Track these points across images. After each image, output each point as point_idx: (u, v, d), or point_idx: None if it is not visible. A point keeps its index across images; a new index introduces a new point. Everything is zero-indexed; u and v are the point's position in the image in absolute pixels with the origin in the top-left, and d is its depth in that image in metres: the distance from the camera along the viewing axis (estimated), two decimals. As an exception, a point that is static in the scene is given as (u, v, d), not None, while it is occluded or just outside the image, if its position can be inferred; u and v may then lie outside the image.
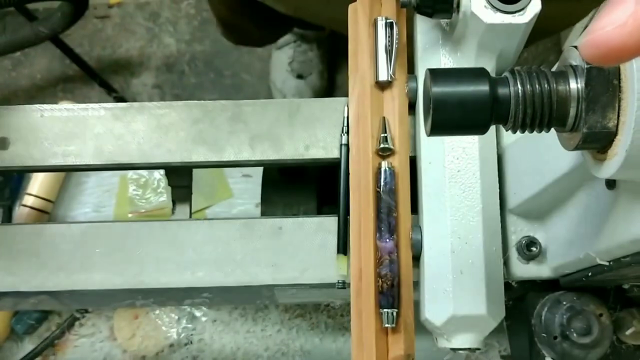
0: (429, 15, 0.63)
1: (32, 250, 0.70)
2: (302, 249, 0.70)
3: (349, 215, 0.68)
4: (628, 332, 0.65)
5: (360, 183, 0.67)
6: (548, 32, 1.26)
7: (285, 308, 1.07)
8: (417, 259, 0.67)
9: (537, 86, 0.42)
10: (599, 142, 0.41)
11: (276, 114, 0.74)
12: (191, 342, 1.05)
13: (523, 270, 0.67)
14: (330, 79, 1.85)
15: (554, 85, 0.42)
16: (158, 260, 0.70)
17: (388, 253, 0.65)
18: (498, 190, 0.66)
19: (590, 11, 0.52)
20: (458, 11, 0.62)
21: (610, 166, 0.41)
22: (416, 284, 0.67)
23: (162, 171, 1.11)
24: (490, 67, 0.65)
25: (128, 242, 0.71)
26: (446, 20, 0.66)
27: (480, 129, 0.43)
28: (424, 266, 0.65)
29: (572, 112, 0.41)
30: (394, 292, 0.64)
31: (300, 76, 1.75)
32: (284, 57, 1.77)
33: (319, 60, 1.79)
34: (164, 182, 1.12)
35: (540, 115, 0.42)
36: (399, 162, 0.68)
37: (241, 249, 0.70)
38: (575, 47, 0.41)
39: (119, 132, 0.73)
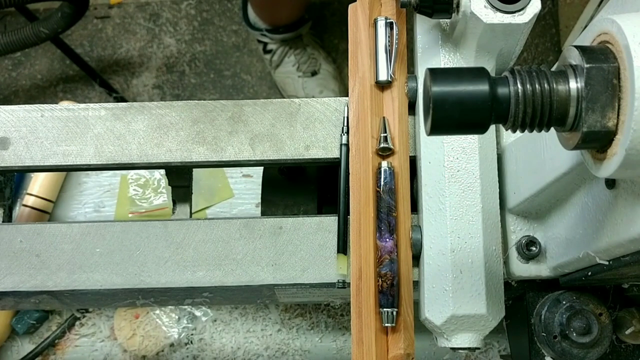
0: (429, 15, 0.63)
1: (33, 250, 0.70)
2: (302, 249, 0.70)
3: (349, 215, 0.68)
4: (627, 331, 0.65)
5: (360, 183, 0.67)
6: None
7: (285, 308, 1.07)
8: (417, 258, 0.68)
9: (536, 86, 0.42)
10: (598, 142, 0.41)
11: (276, 114, 0.74)
12: (191, 342, 1.05)
13: (522, 269, 0.67)
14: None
15: (554, 84, 0.42)
16: (158, 260, 0.70)
17: (388, 252, 0.65)
18: (498, 189, 0.67)
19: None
20: (458, 11, 0.62)
21: (610, 165, 0.41)
22: (416, 284, 0.67)
23: (162, 171, 1.11)
24: (490, 67, 0.65)
25: (128, 242, 0.71)
26: (446, 20, 0.66)
27: (480, 129, 0.43)
28: (424, 265, 0.65)
29: (572, 111, 0.41)
30: (393, 291, 0.64)
31: (314, 73, 1.78)
32: (289, 67, 1.80)
33: (318, 51, 1.82)
34: (164, 182, 1.12)
35: (540, 114, 0.42)
36: (399, 161, 0.68)
37: (241, 249, 0.70)
38: (575, 46, 0.42)
39: (120, 132, 0.73)
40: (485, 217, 0.65)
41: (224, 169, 1.13)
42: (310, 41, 1.83)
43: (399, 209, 0.67)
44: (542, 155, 0.58)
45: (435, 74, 0.42)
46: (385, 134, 0.68)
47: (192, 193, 0.81)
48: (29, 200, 1.06)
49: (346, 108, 0.72)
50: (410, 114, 0.70)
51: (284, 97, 1.83)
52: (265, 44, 1.81)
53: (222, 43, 1.93)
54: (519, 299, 0.70)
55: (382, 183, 0.66)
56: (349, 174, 0.69)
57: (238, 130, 0.73)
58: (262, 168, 0.88)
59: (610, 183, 0.48)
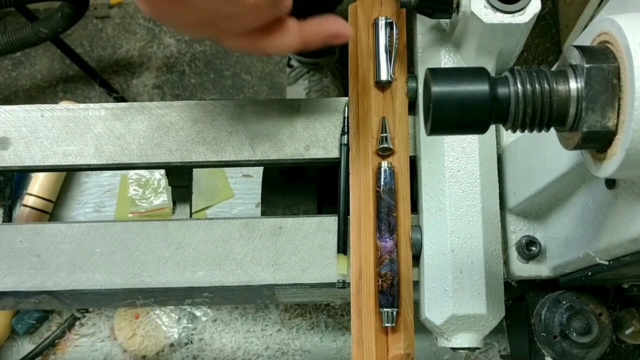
0: (429, 15, 0.63)
1: (33, 250, 0.70)
2: (302, 249, 0.70)
3: (349, 214, 0.68)
4: (627, 331, 0.65)
5: (360, 183, 0.67)
6: None
7: (285, 308, 1.07)
8: (417, 258, 0.68)
9: (536, 86, 0.42)
10: (598, 142, 0.41)
11: (276, 114, 0.74)
12: (191, 342, 1.05)
13: (523, 269, 0.67)
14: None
15: (554, 84, 0.42)
16: (158, 260, 0.70)
17: (388, 252, 0.65)
18: (498, 189, 0.67)
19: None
20: (458, 11, 0.62)
21: (610, 165, 0.41)
22: (416, 284, 0.67)
23: (162, 171, 1.11)
24: (490, 67, 0.65)
25: (128, 242, 0.71)
26: (446, 20, 0.66)
27: (480, 129, 0.43)
28: (424, 265, 0.65)
29: (572, 111, 0.41)
30: (393, 291, 0.64)
31: None
32: (300, 89, 1.79)
33: (334, 85, 1.81)
34: (164, 182, 1.12)
35: (540, 114, 0.42)
36: (399, 161, 0.68)
37: (241, 249, 0.70)
38: (575, 46, 0.42)
39: (120, 132, 0.73)
40: (485, 217, 0.65)
41: (224, 169, 1.13)
42: (329, 74, 1.81)
43: (399, 209, 0.67)
44: (542, 155, 0.58)
45: (435, 74, 0.42)
46: (385, 134, 0.68)
47: (192, 193, 0.81)
48: (29, 200, 1.07)
49: (346, 108, 0.72)
50: (410, 114, 0.70)
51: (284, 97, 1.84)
52: (290, 58, 1.81)
53: (222, 43, 1.93)
54: (519, 299, 0.70)
55: (382, 183, 0.66)
56: (349, 174, 0.69)
57: (238, 130, 0.73)
58: (262, 168, 0.88)
59: (610, 183, 0.48)
